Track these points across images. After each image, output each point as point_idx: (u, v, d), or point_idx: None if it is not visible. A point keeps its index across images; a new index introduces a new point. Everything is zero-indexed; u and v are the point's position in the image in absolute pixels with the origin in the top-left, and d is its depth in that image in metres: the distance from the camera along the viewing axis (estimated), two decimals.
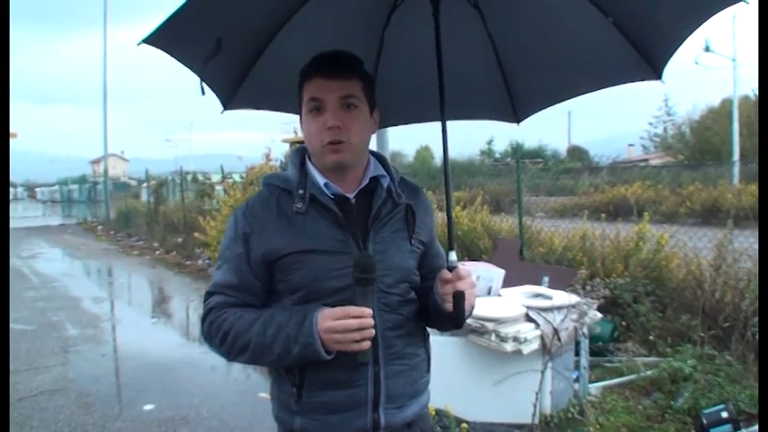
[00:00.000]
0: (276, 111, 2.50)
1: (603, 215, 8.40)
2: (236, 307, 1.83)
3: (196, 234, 14.46)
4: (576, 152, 52.85)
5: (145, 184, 28.51)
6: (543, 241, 8.27)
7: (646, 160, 43.67)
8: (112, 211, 30.13)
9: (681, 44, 2.04)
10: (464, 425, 4.46)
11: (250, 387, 6.12)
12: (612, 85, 2.34)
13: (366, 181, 1.91)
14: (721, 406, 4.68)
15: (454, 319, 1.82)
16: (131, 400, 5.86)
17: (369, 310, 1.70)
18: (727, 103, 36.37)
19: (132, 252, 18.73)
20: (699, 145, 39.18)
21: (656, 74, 2.19)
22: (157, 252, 17.94)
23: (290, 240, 1.80)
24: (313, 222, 1.82)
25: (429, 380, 2.04)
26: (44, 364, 6.94)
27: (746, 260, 6.40)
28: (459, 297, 1.81)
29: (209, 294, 1.89)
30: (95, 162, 68.70)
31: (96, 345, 7.91)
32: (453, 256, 1.86)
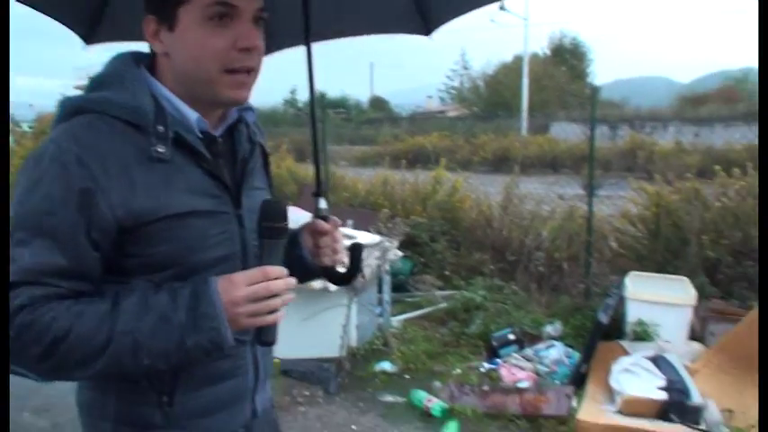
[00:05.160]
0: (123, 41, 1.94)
1: (404, 162, 8.84)
2: (65, 300, 1.21)
3: None
4: (378, 103, 53.97)
5: None
6: (347, 187, 8.58)
7: (443, 111, 45.46)
8: None
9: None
10: (276, 360, 4.63)
11: None
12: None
13: (235, 114, 1.46)
14: (508, 329, 5.25)
15: (348, 273, 1.62)
16: None
17: (285, 270, 1.29)
18: (518, 60, 38.40)
19: None
20: (492, 98, 41.18)
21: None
22: None
23: (160, 199, 1.27)
24: (180, 173, 1.31)
25: None
26: None
27: (530, 202, 7.08)
28: (357, 249, 1.61)
29: (13, 286, 1.18)
30: None
31: None
32: (324, 203, 1.61)
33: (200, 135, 1.36)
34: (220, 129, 1.43)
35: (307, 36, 1.72)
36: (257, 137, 1.52)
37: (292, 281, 1.29)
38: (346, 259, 1.66)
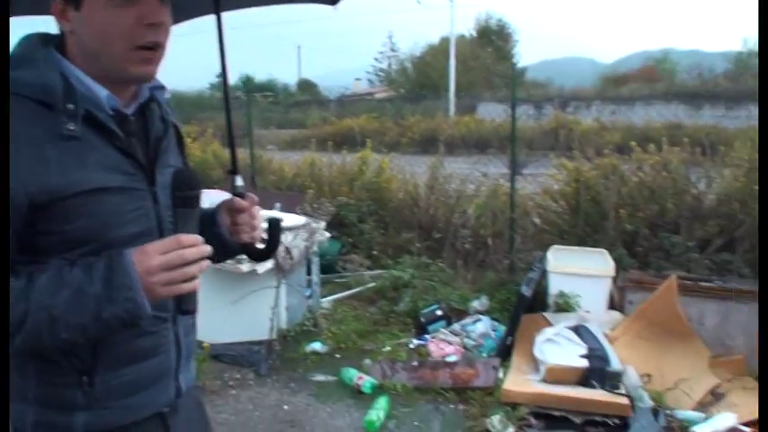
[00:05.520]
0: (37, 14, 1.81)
1: (331, 143, 8.87)
2: None
3: None
4: (306, 86, 53.45)
5: None
6: (274, 170, 8.59)
7: (371, 94, 45.36)
8: None
9: None
10: (205, 345, 4.62)
11: None
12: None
13: (147, 93, 1.46)
14: (436, 306, 5.37)
15: (267, 248, 1.67)
16: None
17: (200, 237, 1.30)
18: (445, 41, 38.52)
19: None
20: (419, 80, 41.27)
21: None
22: None
23: (73, 176, 1.26)
24: (93, 150, 1.30)
25: None
26: None
27: (456, 181, 7.20)
28: (275, 224, 1.65)
29: None
30: None
31: None
32: (240, 181, 1.68)
33: (111, 113, 1.35)
34: (132, 107, 1.42)
35: (216, 4, 1.73)
36: (170, 116, 1.53)
37: (207, 248, 1.30)
38: (265, 235, 1.68)
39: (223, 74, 1.75)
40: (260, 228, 1.65)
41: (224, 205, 1.63)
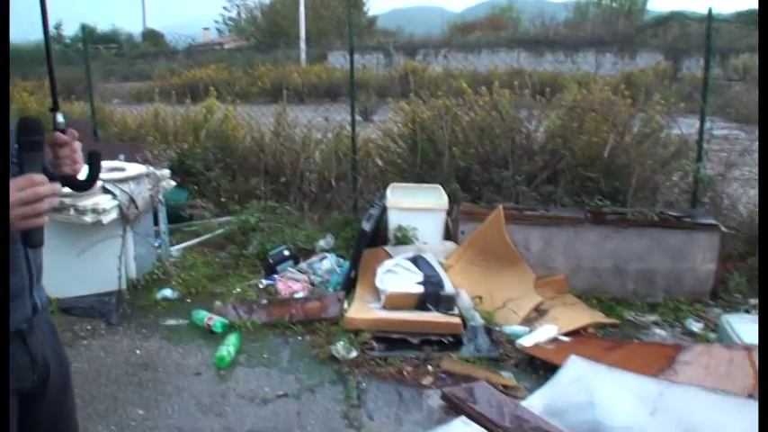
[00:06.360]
0: None
1: (174, 94, 8.78)
2: None
3: None
4: (152, 36, 51.27)
5: None
6: (117, 122, 8.42)
7: (221, 44, 44.24)
8: None
9: None
10: (52, 298, 4.59)
11: None
12: None
13: None
14: (283, 246, 5.54)
15: (88, 180, 1.74)
16: None
17: (46, 177, 1.42)
18: None
19: None
20: (270, 28, 40.68)
21: None
22: None
23: None
24: None
25: None
26: None
27: (303, 127, 7.36)
28: (95, 156, 1.74)
29: None
30: None
31: None
32: (61, 117, 1.71)
33: None
34: None
35: None
36: None
37: (57, 186, 1.42)
38: (86, 167, 1.78)
39: (42, 9, 1.80)
40: (81, 161, 1.74)
41: (46, 140, 1.65)
